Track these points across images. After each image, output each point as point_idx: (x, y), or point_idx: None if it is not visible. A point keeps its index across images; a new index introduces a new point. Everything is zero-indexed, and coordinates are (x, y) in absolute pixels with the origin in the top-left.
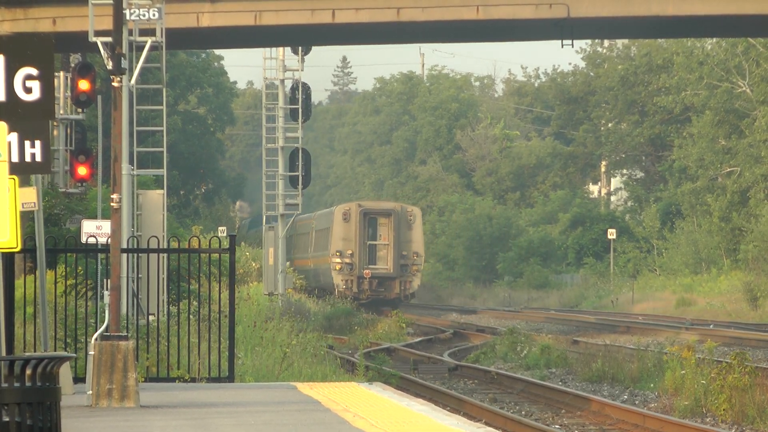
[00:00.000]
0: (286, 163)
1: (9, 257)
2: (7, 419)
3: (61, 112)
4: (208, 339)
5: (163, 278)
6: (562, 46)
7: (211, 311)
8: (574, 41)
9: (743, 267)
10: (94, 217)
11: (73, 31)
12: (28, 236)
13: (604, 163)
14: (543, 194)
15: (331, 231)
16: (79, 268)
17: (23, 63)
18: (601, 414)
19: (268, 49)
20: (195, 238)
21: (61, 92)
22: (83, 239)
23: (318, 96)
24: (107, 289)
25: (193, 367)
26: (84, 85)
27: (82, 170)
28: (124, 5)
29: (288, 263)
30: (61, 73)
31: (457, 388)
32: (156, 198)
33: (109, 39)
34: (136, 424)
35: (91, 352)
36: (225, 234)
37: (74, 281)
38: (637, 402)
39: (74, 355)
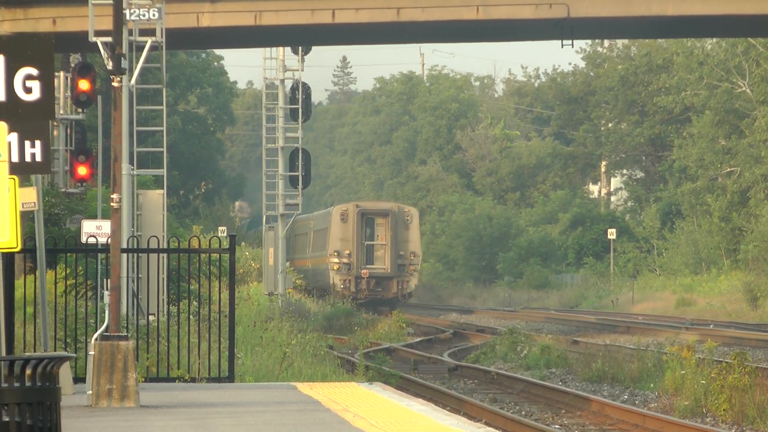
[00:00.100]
0: (286, 163)
1: (9, 257)
2: (7, 419)
3: (61, 112)
4: (208, 339)
5: (163, 278)
6: (562, 46)
7: (211, 311)
8: (574, 41)
9: (743, 267)
10: (94, 217)
11: (73, 31)
12: (28, 236)
13: (604, 163)
14: (543, 194)
15: (329, 231)
16: (79, 268)
17: (23, 63)
18: (601, 414)
19: (268, 49)
20: (195, 238)
21: (61, 92)
22: (83, 239)
23: (318, 96)
24: (107, 289)
25: (193, 367)
26: (84, 85)
27: (82, 170)
28: (124, 5)
29: (288, 263)
30: (61, 73)
31: (457, 388)
32: (156, 198)
33: (109, 39)
34: (136, 424)
35: (91, 352)
36: (225, 234)
37: (74, 281)
38: (637, 402)
39: (74, 355)
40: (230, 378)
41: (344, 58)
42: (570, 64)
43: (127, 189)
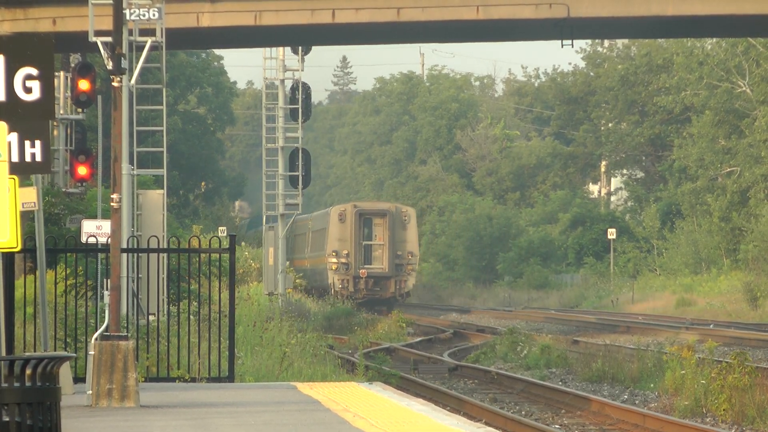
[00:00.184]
0: (286, 163)
1: (9, 257)
2: (7, 419)
3: (61, 112)
4: (208, 339)
5: (163, 278)
6: (562, 46)
7: (211, 311)
8: (574, 41)
9: (743, 267)
10: (94, 217)
11: (73, 31)
12: (28, 236)
13: (604, 163)
14: (543, 194)
15: (328, 232)
16: (79, 268)
17: (23, 63)
18: (601, 414)
19: (268, 49)
20: (195, 238)
21: (61, 92)
22: (83, 239)
23: (318, 96)
24: (107, 289)
25: (193, 367)
26: (84, 85)
27: (82, 170)
28: (124, 5)
29: (288, 263)
30: (61, 73)
31: (457, 388)
32: (156, 198)
33: (109, 39)
34: (136, 424)
35: (91, 352)
36: (225, 234)
37: (74, 281)
38: (637, 402)
39: (74, 355)
40: (230, 378)
41: (344, 58)
42: (570, 64)
43: (127, 189)
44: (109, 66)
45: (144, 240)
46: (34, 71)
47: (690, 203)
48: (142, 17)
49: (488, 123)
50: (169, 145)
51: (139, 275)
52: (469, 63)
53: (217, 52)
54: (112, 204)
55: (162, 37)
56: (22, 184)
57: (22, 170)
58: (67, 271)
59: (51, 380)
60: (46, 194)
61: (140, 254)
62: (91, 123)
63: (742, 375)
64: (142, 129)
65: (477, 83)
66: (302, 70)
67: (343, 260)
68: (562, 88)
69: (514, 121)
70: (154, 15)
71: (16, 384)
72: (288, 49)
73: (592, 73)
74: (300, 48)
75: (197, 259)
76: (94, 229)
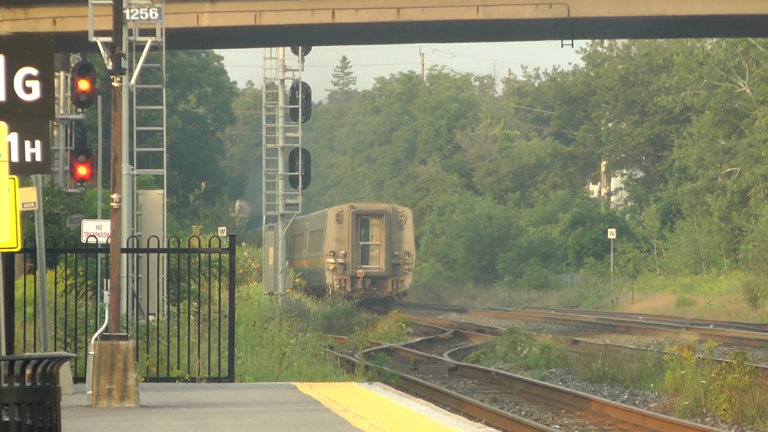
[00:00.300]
0: (286, 163)
1: (9, 257)
2: (7, 419)
3: (61, 112)
4: (208, 339)
5: (163, 278)
6: (562, 46)
7: (211, 311)
8: (574, 41)
9: (743, 267)
10: (94, 217)
11: (73, 31)
12: (28, 236)
13: (604, 163)
14: (543, 194)
15: (325, 232)
16: (79, 268)
17: (23, 63)
18: (601, 414)
19: (268, 49)
20: (194, 238)
21: (61, 92)
22: (83, 239)
23: (318, 96)
24: (107, 289)
25: (193, 367)
26: (84, 85)
27: (82, 170)
28: (124, 5)
29: (287, 263)
30: (61, 73)
31: (457, 388)
32: (156, 198)
33: (109, 39)
34: (136, 424)
35: (91, 352)
36: (225, 234)
37: (74, 281)
38: (637, 402)
39: (74, 355)
40: (230, 378)
41: (344, 58)
42: (570, 64)
43: (127, 189)
44: (109, 66)
45: (144, 240)
46: (34, 71)
47: (690, 203)
48: (142, 17)
49: (488, 123)
50: (169, 145)
51: (139, 275)
52: (469, 63)
53: (217, 52)
54: (112, 204)
55: (162, 37)
56: (22, 184)
57: (22, 170)
58: (67, 271)
59: (51, 380)
60: (46, 194)
61: (140, 254)
62: (91, 123)
63: (742, 375)
64: (142, 129)
65: (477, 83)
66: (302, 70)
67: (341, 260)
68: (562, 88)
69: (514, 121)
70: (154, 15)
71: (16, 384)
72: (288, 49)
73: (592, 73)
74: (300, 48)
75: (197, 259)
76: (94, 229)
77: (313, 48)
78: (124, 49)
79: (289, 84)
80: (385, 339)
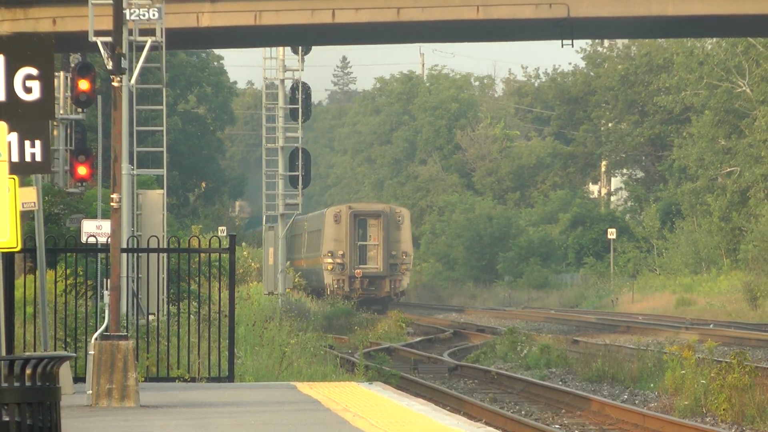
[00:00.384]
0: (286, 163)
1: (9, 257)
2: (7, 419)
3: (61, 112)
4: (208, 339)
5: (163, 278)
6: (562, 46)
7: (211, 311)
8: (574, 41)
9: (743, 267)
10: (94, 217)
11: (73, 31)
12: (28, 236)
13: (604, 163)
14: (543, 194)
15: (323, 232)
16: (79, 268)
17: (23, 63)
18: (601, 414)
19: (268, 49)
20: (195, 238)
21: (61, 92)
22: (83, 239)
23: (318, 96)
24: (107, 289)
25: (193, 366)
26: (84, 85)
27: (82, 170)
28: (124, 5)
29: (288, 263)
30: (61, 73)
31: (457, 388)
32: (156, 198)
33: (109, 39)
34: (136, 424)
35: (91, 352)
36: (225, 234)
37: (74, 281)
38: (637, 402)
39: (74, 354)
40: (230, 378)
41: (344, 58)
42: (570, 64)
43: (127, 189)
44: (109, 66)
45: (144, 240)
46: (34, 71)
47: (690, 203)
48: (142, 17)
49: (488, 123)
50: (169, 145)
51: (139, 275)
52: (469, 63)
53: (217, 51)
54: (112, 204)
55: (162, 37)
56: (22, 184)
57: (22, 170)
58: (67, 271)
59: (51, 380)
60: (46, 194)
61: (140, 254)
62: (91, 123)
63: (741, 375)
64: (142, 129)
65: (477, 83)
66: (302, 70)
67: (339, 260)
68: (562, 88)
69: (514, 121)
70: (154, 15)
71: (16, 384)
72: (288, 49)
73: (592, 73)
74: (300, 48)
75: (197, 259)
76: (94, 229)
77: (313, 48)
78: (124, 49)
79: (289, 84)
80: (385, 339)
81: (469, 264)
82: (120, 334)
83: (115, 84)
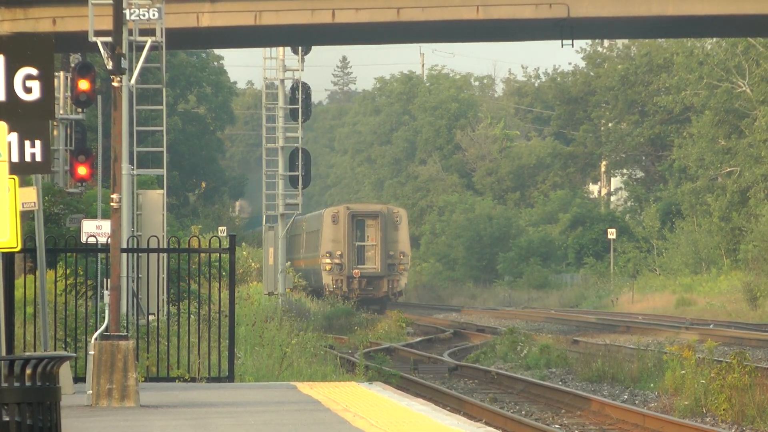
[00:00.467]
0: (286, 163)
1: (9, 257)
2: (7, 419)
3: (61, 112)
4: (208, 339)
5: (163, 278)
6: (562, 46)
7: (211, 311)
8: (574, 41)
9: (743, 267)
10: (94, 217)
11: (73, 31)
12: (28, 236)
13: (604, 163)
14: (543, 194)
15: (321, 233)
16: (79, 268)
17: (23, 63)
18: (601, 414)
19: (268, 49)
20: (195, 238)
21: (61, 92)
22: (83, 239)
23: (318, 96)
24: (107, 289)
25: (193, 366)
26: (84, 85)
27: (82, 170)
28: (124, 5)
29: (288, 263)
30: (61, 73)
31: (457, 388)
32: (156, 198)
33: (109, 39)
34: (136, 424)
35: (91, 352)
36: (225, 234)
37: (74, 281)
38: (637, 402)
39: (74, 354)
40: (230, 378)
41: (344, 58)
42: (570, 64)
43: (127, 189)
44: (109, 66)
45: (144, 240)
46: (34, 71)
47: (690, 203)
48: (142, 17)
49: (488, 123)
50: (169, 145)
51: (139, 275)
52: (469, 63)
53: (217, 51)
54: (112, 204)
55: (162, 37)
56: (22, 184)
57: (22, 170)
58: (67, 271)
59: (51, 380)
60: (46, 194)
61: (140, 254)
62: (91, 123)
63: (741, 375)
64: (142, 129)
65: (477, 83)
66: (302, 70)
67: (337, 261)
68: (562, 88)
69: (514, 121)
70: (154, 15)
71: (16, 384)
72: (288, 49)
73: (592, 73)
74: (300, 48)
75: (197, 259)
76: (94, 229)
77: (313, 48)
78: (124, 49)
79: (289, 84)
80: (385, 339)
81: (469, 264)
82: (120, 334)
83: (115, 84)
